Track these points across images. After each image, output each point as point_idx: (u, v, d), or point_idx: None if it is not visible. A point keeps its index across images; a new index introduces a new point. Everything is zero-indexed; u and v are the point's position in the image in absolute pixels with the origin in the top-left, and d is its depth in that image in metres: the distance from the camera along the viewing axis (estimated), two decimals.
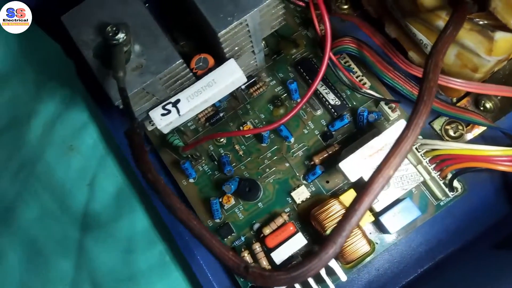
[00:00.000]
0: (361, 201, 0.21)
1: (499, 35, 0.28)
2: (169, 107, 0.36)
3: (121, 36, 0.31)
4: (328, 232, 0.34)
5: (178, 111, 0.35)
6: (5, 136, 0.47)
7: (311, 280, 0.34)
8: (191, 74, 0.35)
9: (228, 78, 0.35)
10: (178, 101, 0.36)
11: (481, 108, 0.39)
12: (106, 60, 0.32)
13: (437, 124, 0.40)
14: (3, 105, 0.48)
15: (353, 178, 0.34)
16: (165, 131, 0.36)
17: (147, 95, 0.34)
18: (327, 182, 0.40)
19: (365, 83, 0.39)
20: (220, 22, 0.31)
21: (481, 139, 0.39)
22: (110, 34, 0.31)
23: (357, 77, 0.39)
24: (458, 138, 0.39)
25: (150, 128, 0.42)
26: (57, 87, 0.47)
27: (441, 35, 0.25)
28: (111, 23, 0.31)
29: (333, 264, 0.34)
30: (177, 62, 0.32)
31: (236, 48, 0.35)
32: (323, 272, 0.34)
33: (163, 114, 0.35)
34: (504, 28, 0.27)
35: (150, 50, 0.32)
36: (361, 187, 0.21)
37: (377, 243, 0.38)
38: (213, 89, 0.36)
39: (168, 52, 0.32)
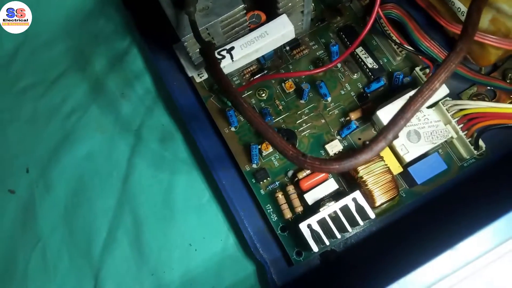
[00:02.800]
0: (410, 106, 0.24)
1: None
2: (223, 53, 0.39)
3: None
4: (360, 174, 0.37)
5: (231, 57, 0.39)
6: (62, 81, 0.51)
7: (342, 218, 0.37)
8: (246, 23, 0.39)
9: (279, 30, 0.39)
10: (232, 48, 0.39)
11: (508, 81, 0.42)
12: (177, 1, 0.36)
13: (465, 96, 0.43)
14: (62, 54, 0.52)
15: None
16: None
17: (208, 36, 0.38)
18: (359, 139, 0.43)
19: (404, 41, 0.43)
20: None
21: None
22: None
23: (394, 44, 0.43)
24: None
25: (198, 80, 0.46)
26: (114, 38, 0.51)
27: None
28: None
29: (363, 202, 0.37)
30: (239, 7, 0.36)
31: (289, 4, 0.39)
32: (353, 209, 0.37)
33: (218, 59, 0.39)
34: None
35: None
36: (411, 97, 0.24)
37: (403, 196, 0.41)
38: (265, 40, 0.39)
39: None
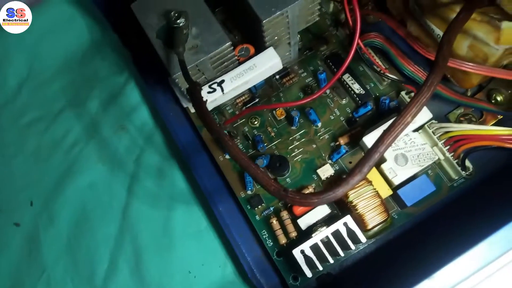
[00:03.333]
0: (383, 140, 0.25)
1: (506, 25, 0.33)
2: (214, 86, 0.41)
3: (182, 20, 0.37)
4: (350, 198, 0.38)
5: (222, 90, 0.41)
6: (64, 115, 0.53)
7: (334, 243, 0.38)
8: (235, 57, 0.41)
9: (267, 62, 0.41)
10: (222, 81, 0.41)
11: (492, 101, 0.43)
12: (167, 40, 0.38)
13: (452, 117, 0.44)
14: (64, 88, 0.54)
15: None
16: (210, 107, 0.42)
17: (198, 72, 0.40)
18: (350, 162, 0.44)
19: (386, 69, 0.44)
20: (265, 11, 0.37)
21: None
22: (173, 19, 0.37)
23: (378, 73, 0.44)
24: None
25: (193, 110, 0.48)
26: (113, 74, 0.53)
27: (455, 18, 0.30)
28: (173, 10, 0.37)
29: (354, 226, 0.37)
30: (226, 44, 0.38)
31: (276, 38, 0.41)
32: (345, 234, 0.38)
33: (209, 92, 0.41)
34: (510, 18, 0.32)
35: (205, 34, 0.38)
36: (385, 131, 0.25)
37: (395, 218, 0.42)
38: (254, 72, 0.41)
39: (220, 36, 0.38)
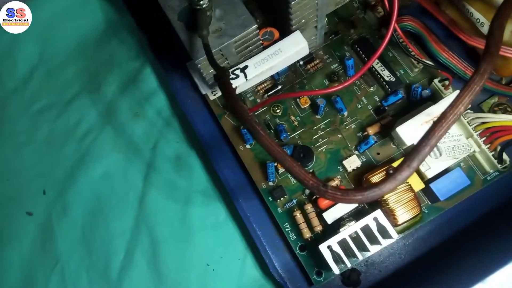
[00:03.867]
0: (434, 132, 0.23)
1: None
2: (237, 72, 0.39)
3: (205, 1, 0.35)
4: None
5: (245, 76, 0.39)
6: (77, 102, 0.51)
7: (363, 237, 0.36)
8: (260, 42, 0.39)
9: (293, 47, 0.39)
10: (246, 67, 0.39)
11: None
12: (189, 23, 0.36)
13: (486, 106, 0.42)
14: (77, 74, 0.52)
15: (409, 142, 0.36)
16: None
17: (221, 57, 0.37)
18: (378, 154, 0.42)
19: (422, 55, 0.41)
20: None
21: None
22: (196, 0, 0.35)
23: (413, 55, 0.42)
24: None
25: (212, 97, 0.45)
26: (128, 59, 0.51)
27: (505, 1, 0.27)
28: None
29: (384, 221, 0.36)
30: (253, 27, 0.36)
31: (303, 20, 0.38)
32: (375, 229, 0.36)
33: (231, 78, 0.39)
34: None
35: (229, 16, 0.36)
36: (434, 122, 0.23)
37: (425, 212, 0.40)
38: (279, 58, 0.39)
39: (245, 18, 0.36)
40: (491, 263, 0.35)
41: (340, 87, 0.37)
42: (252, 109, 0.41)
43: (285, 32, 0.40)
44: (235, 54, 0.38)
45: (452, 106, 0.23)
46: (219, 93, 0.45)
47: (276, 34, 0.41)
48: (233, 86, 0.28)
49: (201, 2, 0.35)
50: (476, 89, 0.24)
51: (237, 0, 0.36)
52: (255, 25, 0.36)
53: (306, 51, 0.40)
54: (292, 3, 0.35)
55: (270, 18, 0.42)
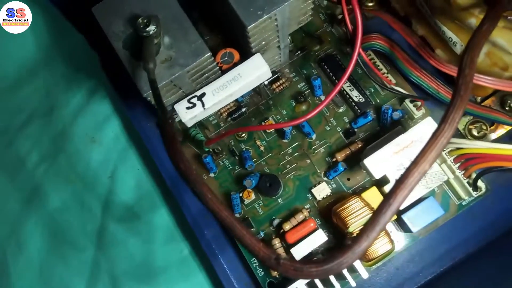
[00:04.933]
0: (396, 195, 0.21)
1: None
2: (194, 100, 0.36)
3: (152, 28, 0.31)
4: (350, 229, 0.34)
5: (203, 105, 0.36)
6: (29, 127, 0.47)
7: (331, 277, 0.34)
8: (217, 68, 0.35)
9: (253, 72, 0.36)
10: (203, 94, 0.36)
11: (507, 108, 0.38)
12: (136, 52, 0.32)
13: (461, 124, 0.40)
14: (28, 96, 0.48)
15: (377, 175, 0.34)
16: (189, 124, 0.36)
17: (174, 87, 0.34)
18: (348, 179, 0.39)
19: (390, 81, 0.39)
20: (250, 16, 0.31)
21: (506, 139, 0.39)
22: (141, 26, 0.31)
23: (382, 74, 0.39)
24: (481, 138, 0.39)
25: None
26: (81, 80, 0.47)
27: (477, 30, 0.25)
28: (142, 15, 0.31)
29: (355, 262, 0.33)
30: (206, 55, 0.32)
31: (263, 42, 0.35)
32: (344, 270, 0.34)
33: (188, 108, 0.36)
34: None
35: (180, 43, 0.33)
36: (397, 181, 0.21)
37: (397, 242, 0.38)
38: (239, 83, 0.36)
39: (197, 45, 0.33)
40: None
41: (304, 119, 0.34)
42: (212, 141, 0.38)
43: (245, 53, 0.37)
44: (190, 83, 0.35)
45: (415, 163, 0.21)
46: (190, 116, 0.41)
47: (237, 55, 0.37)
48: (179, 138, 0.24)
49: (148, 29, 0.31)
50: (443, 141, 0.21)
51: (188, 25, 0.33)
52: (209, 53, 0.33)
53: (268, 75, 0.36)
54: (249, 27, 0.32)
55: (226, 38, 0.38)
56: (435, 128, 0.22)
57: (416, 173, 0.21)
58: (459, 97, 0.22)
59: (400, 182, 0.21)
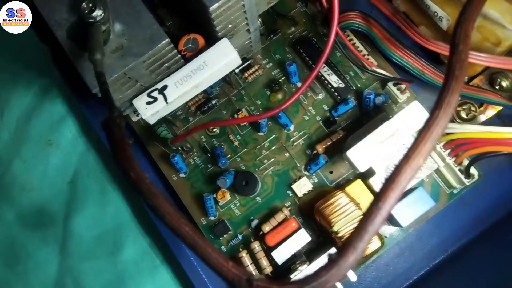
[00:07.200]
0: (386, 198, 0.17)
1: None
2: (155, 94, 0.32)
3: (98, 13, 0.27)
4: (335, 228, 0.31)
5: (165, 99, 0.32)
6: None
7: None
8: (179, 56, 0.32)
9: (221, 60, 0.32)
10: (165, 87, 0.32)
11: (497, 87, 0.35)
12: (82, 42, 0.28)
13: None
14: None
15: (362, 168, 0.31)
16: (151, 121, 0.33)
17: (129, 80, 0.30)
18: (331, 172, 0.36)
19: (371, 63, 0.36)
20: None
21: (496, 121, 0.36)
22: (86, 11, 0.27)
23: (362, 56, 0.36)
24: (470, 120, 0.36)
25: (135, 118, 0.38)
26: (32, 77, 0.43)
27: (467, 4, 0.21)
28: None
29: None
30: (163, 42, 0.29)
31: (230, 26, 0.32)
32: None
33: (148, 103, 0.32)
34: None
35: (132, 29, 0.29)
36: (387, 179, 0.18)
37: (386, 237, 0.35)
38: (205, 73, 0.32)
39: (153, 31, 0.29)
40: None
41: (279, 109, 0.31)
42: (178, 138, 0.34)
43: (212, 39, 0.33)
44: (148, 74, 0.31)
45: (407, 157, 0.18)
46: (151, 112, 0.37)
47: (201, 41, 0.33)
48: (130, 141, 0.21)
49: (93, 14, 0.27)
50: (439, 131, 0.18)
51: (142, 8, 0.29)
52: (166, 39, 0.29)
53: (237, 62, 0.33)
54: (211, 8, 0.28)
55: (190, 23, 0.34)
56: (427, 116, 0.18)
57: (409, 170, 0.18)
58: (453, 78, 0.19)
59: (390, 181, 0.18)
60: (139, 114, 0.37)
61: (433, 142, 0.18)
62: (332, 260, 0.17)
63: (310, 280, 0.17)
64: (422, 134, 0.18)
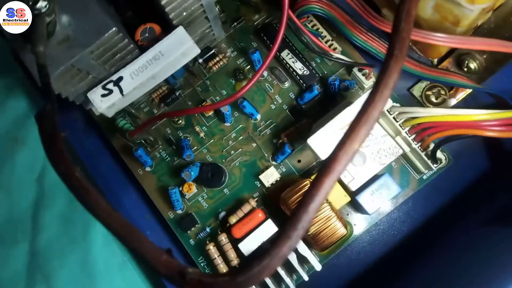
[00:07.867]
0: (320, 184, 0.17)
1: None
2: (110, 86, 0.31)
3: (42, 4, 0.26)
4: None
5: (121, 91, 0.31)
6: None
7: (281, 271, 0.30)
8: (132, 46, 0.31)
9: (177, 49, 0.31)
10: (120, 78, 0.31)
11: (465, 69, 0.35)
12: (27, 34, 0.27)
13: (417, 90, 0.36)
14: None
15: (323, 156, 0.30)
16: (109, 114, 0.32)
17: (79, 72, 0.29)
18: (299, 161, 0.36)
19: (335, 48, 0.35)
20: None
21: (465, 104, 0.35)
22: (30, 3, 0.26)
23: (326, 42, 0.35)
24: (441, 104, 0.35)
25: (97, 112, 0.37)
26: None
27: None
28: None
29: (305, 251, 0.30)
30: (111, 32, 0.28)
31: (185, 13, 0.31)
32: (294, 261, 0.30)
33: (103, 95, 0.31)
34: None
35: (79, 20, 0.28)
36: (322, 166, 0.17)
37: (355, 225, 0.35)
38: (161, 63, 0.31)
39: (100, 21, 0.28)
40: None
41: (239, 94, 0.30)
42: (134, 132, 0.33)
43: (168, 28, 0.32)
44: (100, 65, 0.30)
45: (342, 143, 0.17)
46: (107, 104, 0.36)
47: (158, 30, 0.33)
48: (63, 134, 0.20)
49: (38, 6, 0.26)
50: (375, 114, 0.17)
51: None
52: (113, 29, 0.28)
53: (195, 51, 0.32)
54: None
55: (150, 11, 0.33)
56: (365, 98, 0.18)
57: (344, 156, 0.17)
58: (392, 57, 0.18)
59: (325, 168, 0.17)
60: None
61: (369, 126, 0.17)
62: (265, 250, 0.16)
63: (243, 272, 0.16)
64: (357, 118, 0.17)
